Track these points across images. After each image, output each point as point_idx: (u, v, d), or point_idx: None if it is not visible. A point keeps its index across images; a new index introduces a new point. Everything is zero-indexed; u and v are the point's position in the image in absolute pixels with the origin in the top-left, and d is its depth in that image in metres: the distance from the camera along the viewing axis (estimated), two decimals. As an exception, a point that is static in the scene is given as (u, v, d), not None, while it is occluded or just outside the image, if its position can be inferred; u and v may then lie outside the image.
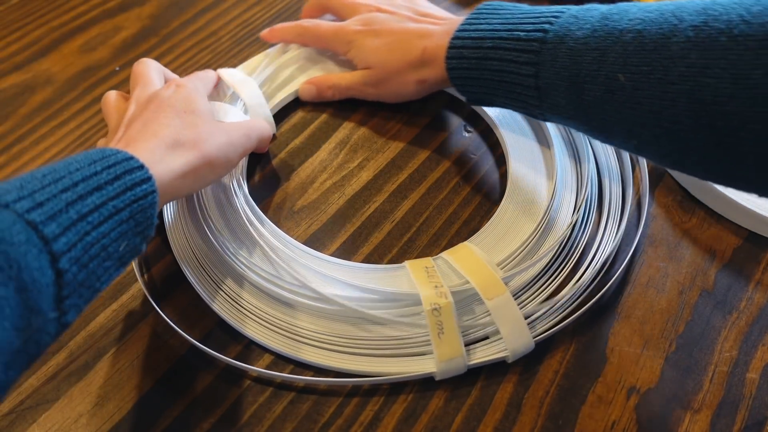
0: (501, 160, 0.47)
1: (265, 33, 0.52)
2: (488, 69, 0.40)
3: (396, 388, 0.36)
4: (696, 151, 0.31)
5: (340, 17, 0.52)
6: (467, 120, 0.50)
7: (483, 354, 0.36)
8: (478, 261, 0.38)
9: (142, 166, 0.31)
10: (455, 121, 0.50)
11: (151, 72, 0.41)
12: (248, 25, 0.56)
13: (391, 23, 0.48)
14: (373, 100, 0.50)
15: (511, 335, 0.36)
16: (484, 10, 0.42)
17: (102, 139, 0.41)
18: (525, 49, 0.37)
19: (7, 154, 0.47)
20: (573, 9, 0.37)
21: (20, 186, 0.27)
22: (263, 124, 0.43)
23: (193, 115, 0.38)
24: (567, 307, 0.38)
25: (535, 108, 0.39)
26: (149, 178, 0.31)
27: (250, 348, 0.37)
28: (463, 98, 0.44)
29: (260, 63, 0.51)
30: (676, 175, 0.46)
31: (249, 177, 0.46)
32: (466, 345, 0.36)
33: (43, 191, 0.27)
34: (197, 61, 0.53)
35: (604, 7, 0.36)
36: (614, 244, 0.41)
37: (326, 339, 0.37)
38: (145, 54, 0.54)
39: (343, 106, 0.51)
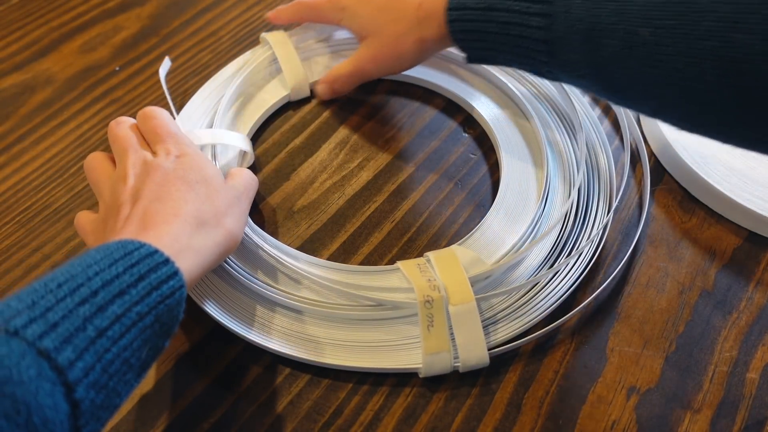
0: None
1: (271, 14, 0.51)
2: (493, 21, 0.38)
3: (396, 388, 0.36)
4: (719, 112, 0.30)
5: None
6: (465, 121, 0.50)
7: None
8: (457, 266, 0.38)
9: (167, 260, 0.28)
10: (454, 122, 0.50)
11: (136, 136, 0.37)
12: (248, 25, 0.56)
13: None
14: (378, 77, 0.49)
15: (466, 345, 0.35)
16: None
17: (85, 212, 0.37)
18: (533, 25, 0.36)
19: (7, 154, 0.47)
20: None
21: (32, 303, 0.24)
22: (251, 178, 0.41)
23: (207, 186, 0.35)
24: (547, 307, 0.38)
25: (543, 65, 0.37)
26: (176, 273, 0.29)
27: (248, 350, 0.37)
28: (462, 54, 0.43)
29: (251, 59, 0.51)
30: (676, 175, 0.46)
31: (249, 177, 0.46)
32: None
33: (58, 308, 0.24)
34: (197, 61, 0.53)
35: None
36: (595, 242, 0.41)
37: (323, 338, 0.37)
38: (145, 54, 0.54)
39: (343, 106, 0.51)
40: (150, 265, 0.28)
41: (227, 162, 0.45)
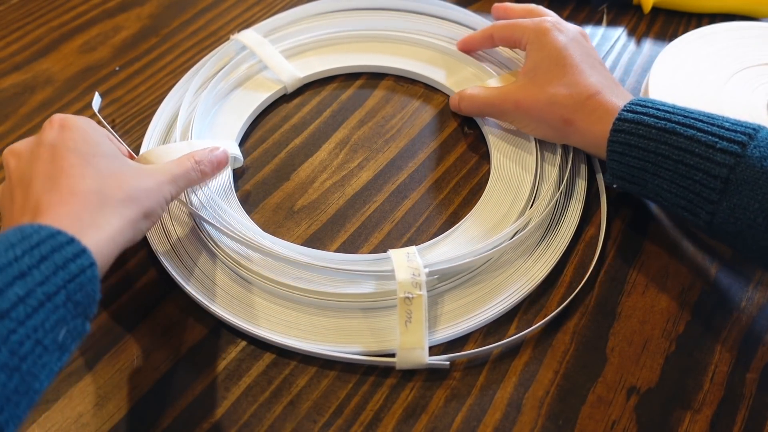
0: (501, 160, 0.47)
1: (460, 43, 0.51)
2: (669, 144, 0.36)
3: (396, 388, 0.36)
4: None
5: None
6: (465, 121, 0.50)
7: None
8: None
9: (71, 240, 0.27)
10: (455, 121, 0.50)
11: (10, 148, 0.35)
12: (248, 25, 0.56)
13: (588, 49, 0.44)
14: (507, 121, 0.46)
15: (407, 340, 0.36)
16: (664, 100, 0.38)
17: None
18: (717, 160, 0.34)
19: (7, 154, 0.47)
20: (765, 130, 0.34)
21: None
22: (192, 164, 0.38)
23: (105, 159, 0.33)
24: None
25: (707, 203, 0.35)
26: (83, 251, 0.27)
27: (248, 350, 0.37)
28: (598, 160, 0.41)
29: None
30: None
31: (249, 177, 0.46)
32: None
33: None
34: (197, 61, 0.53)
35: None
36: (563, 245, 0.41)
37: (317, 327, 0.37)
38: (145, 54, 0.54)
39: (343, 106, 0.51)
40: (53, 245, 0.26)
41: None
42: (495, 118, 0.47)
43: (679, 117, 0.36)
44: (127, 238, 0.32)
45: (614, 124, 0.38)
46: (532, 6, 0.49)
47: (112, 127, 0.49)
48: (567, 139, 0.43)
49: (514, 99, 0.43)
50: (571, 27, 0.45)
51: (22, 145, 0.34)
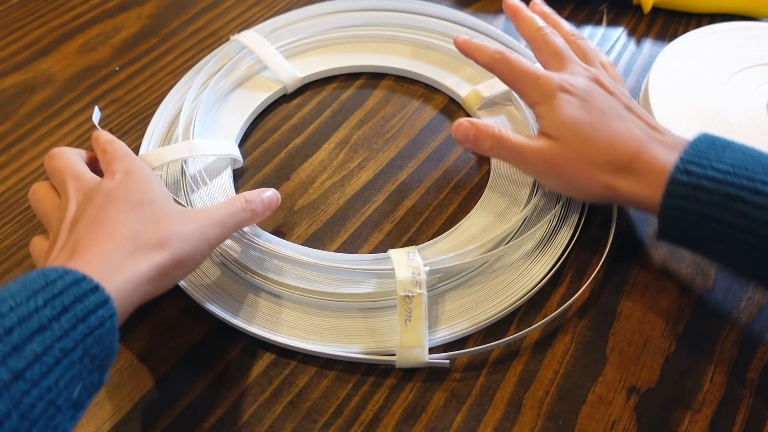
0: (501, 160, 0.47)
1: (460, 40, 0.45)
2: (733, 211, 0.32)
3: (396, 388, 0.36)
4: None
5: (545, 65, 0.43)
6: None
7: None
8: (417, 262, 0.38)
9: (96, 287, 0.26)
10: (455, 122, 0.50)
11: (74, 162, 0.35)
12: (248, 25, 0.56)
13: (605, 103, 0.38)
14: (535, 177, 0.42)
15: (406, 338, 0.36)
16: (716, 142, 0.35)
17: (38, 237, 0.36)
18: None
19: (7, 154, 0.47)
20: None
21: None
22: (242, 204, 0.37)
23: (152, 206, 0.33)
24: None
25: None
26: (106, 301, 0.26)
27: (248, 350, 0.37)
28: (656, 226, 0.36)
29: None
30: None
31: (249, 177, 0.46)
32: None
33: None
34: (197, 61, 0.53)
35: None
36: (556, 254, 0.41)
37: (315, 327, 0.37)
38: (145, 54, 0.54)
39: (343, 106, 0.51)
40: (75, 294, 0.25)
41: (206, 166, 0.44)
42: (518, 167, 0.41)
43: (744, 180, 0.32)
44: (156, 286, 0.31)
45: (667, 188, 0.34)
46: (540, 23, 0.44)
47: (112, 129, 0.49)
48: (609, 201, 0.39)
49: (549, 160, 0.38)
50: (581, 78, 0.40)
51: (84, 179, 0.34)
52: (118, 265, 0.29)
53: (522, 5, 0.46)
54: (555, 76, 0.40)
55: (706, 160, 0.34)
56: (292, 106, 0.51)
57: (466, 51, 0.45)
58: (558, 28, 0.45)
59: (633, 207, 0.39)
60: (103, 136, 0.39)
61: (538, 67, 0.41)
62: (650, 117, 0.39)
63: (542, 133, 0.39)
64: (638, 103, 0.50)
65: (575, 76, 0.40)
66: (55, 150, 0.36)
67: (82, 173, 0.35)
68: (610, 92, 0.39)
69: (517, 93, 0.43)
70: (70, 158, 0.36)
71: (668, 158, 0.35)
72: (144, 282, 0.30)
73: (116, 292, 0.28)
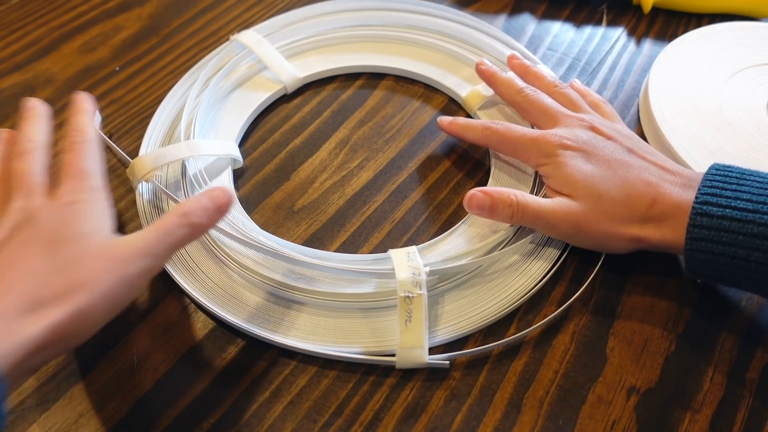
0: (501, 160, 0.47)
1: (444, 122, 0.45)
2: (759, 249, 0.32)
3: (396, 388, 0.36)
4: None
5: (536, 125, 0.43)
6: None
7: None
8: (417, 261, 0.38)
9: None
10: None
11: (34, 175, 0.32)
12: (248, 25, 0.56)
13: (608, 150, 0.38)
14: (564, 239, 0.40)
15: (406, 339, 0.36)
16: (729, 174, 0.35)
17: None
18: None
19: (7, 154, 0.47)
20: None
21: None
22: (176, 221, 0.31)
23: (74, 244, 0.29)
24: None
25: None
26: None
27: (248, 350, 0.37)
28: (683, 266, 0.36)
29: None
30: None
31: (249, 177, 0.46)
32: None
33: None
34: (197, 61, 0.53)
35: None
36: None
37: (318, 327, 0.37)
38: (145, 54, 0.54)
39: (343, 106, 0.51)
40: None
41: (207, 166, 0.44)
42: (542, 231, 0.40)
43: (766, 216, 0.32)
44: (49, 354, 0.28)
45: (689, 231, 0.34)
46: (519, 84, 0.44)
47: (112, 129, 0.49)
48: (639, 250, 0.38)
49: (574, 222, 0.37)
50: (577, 129, 0.39)
51: (34, 197, 0.31)
52: (6, 330, 0.26)
53: (496, 69, 0.46)
54: (551, 134, 0.39)
55: (724, 199, 0.34)
56: (292, 106, 0.51)
57: (456, 132, 0.45)
58: (539, 81, 0.45)
59: (664, 251, 0.39)
60: (80, 125, 0.35)
61: (530, 129, 0.42)
62: (653, 153, 0.39)
63: (554, 191, 0.39)
64: (638, 103, 0.50)
65: (571, 129, 0.40)
66: (25, 148, 0.34)
67: (35, 189, 0.32)
68: (609, 138, 0.39)
69: (519, 158, 0.42)
70: (32, 169, 0.33)
71: (685, 198, 0.35)
72: (33, 350, 0.26)
73: (4, 359, 0.25)
